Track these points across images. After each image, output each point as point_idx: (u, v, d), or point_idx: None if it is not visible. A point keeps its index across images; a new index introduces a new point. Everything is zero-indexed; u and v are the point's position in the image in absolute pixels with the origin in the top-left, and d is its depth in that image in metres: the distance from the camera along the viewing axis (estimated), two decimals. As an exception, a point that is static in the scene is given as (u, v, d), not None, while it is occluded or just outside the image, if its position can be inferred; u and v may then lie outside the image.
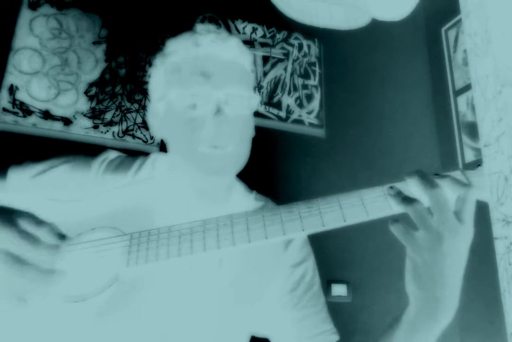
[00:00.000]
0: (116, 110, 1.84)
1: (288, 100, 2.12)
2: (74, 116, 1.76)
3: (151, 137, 1.84)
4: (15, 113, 1.68)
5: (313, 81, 2.19)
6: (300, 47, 2.21)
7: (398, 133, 2.25)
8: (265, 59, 2.13)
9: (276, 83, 2.13)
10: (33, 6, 1.80)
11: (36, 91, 1.73)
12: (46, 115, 1.72)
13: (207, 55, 0.80)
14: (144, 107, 1.88)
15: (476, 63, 0.57)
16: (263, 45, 2.15)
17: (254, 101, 0.83)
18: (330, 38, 2.20)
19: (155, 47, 1.94)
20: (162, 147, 1.79)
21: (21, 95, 1.71)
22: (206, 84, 0.78)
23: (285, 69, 2.16)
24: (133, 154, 0.92)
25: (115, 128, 1.81)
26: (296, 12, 1.12)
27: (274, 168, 1.98)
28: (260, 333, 0.89)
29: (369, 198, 0.65)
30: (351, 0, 1.10)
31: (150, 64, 0.86)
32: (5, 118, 1.67)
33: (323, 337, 0.86)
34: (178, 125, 0.80)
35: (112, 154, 0.90)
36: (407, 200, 0.63)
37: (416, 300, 0.67)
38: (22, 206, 0.67)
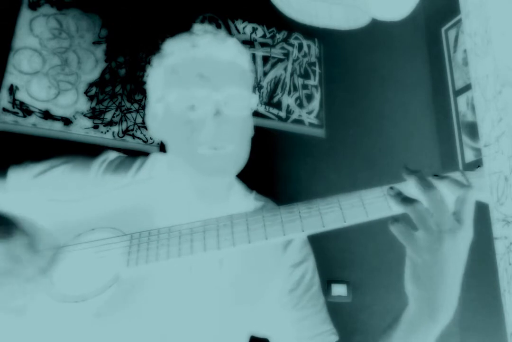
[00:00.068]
0: (116, 110, 1.84)
1: (288, 100, 2.12)
2: (74, 116, 1.76)
3: (151, 137, 1.84)
4: (15, 113, 1.68)
5: (313, 81, 2.19)
6: (300, 47, 2.21)
7: (398, 133, 2.25)
8: (265, 59, 2.13)
9: (276, 83, 2.13)
10: (33, 6, 1.80)
11: (36, 91, 1.73)
12: (46, 115, 1.72)
13: (205, 56, 0.80)
14: (144, 107, 1.88)
15: (476, 63, 0.57)
16: (263, 45, 2.15)
17: (253, 101, 0.83)
18: (330, 38, 2.20)
19: (155, 47, 1.94)
20: (162, 147, 1.79)
21: (21, 95, 1.71)
22: (204, 85, 0.78)
23: (285, 69, 2.16)
24: (133, 155, 0.92)
25: (115, 128, 1.81)
26: (296, 12, 1.12)
27: (274, 168, 1.98)
28: (260, 333, 0.89)
29: (369, 198, 0.65)
30: (351, 0, 1.10)
31: (150, 64, 0.86)
32: (5, 118, 1.67)
33: (322, 337, 0.86)
34: (177, 127, 0.79)
35: (112, 155, 0.90)
36: (407, 200, 0.63)
37: (415, 300, 0.68)
38: (21, 207, 0.67)
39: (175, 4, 2.03)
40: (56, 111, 1.74)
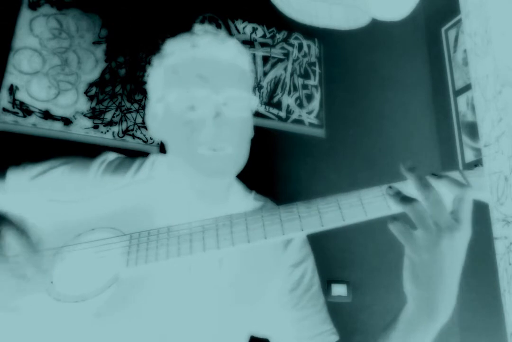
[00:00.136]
0: (116, 110, 1.84)
1: (288, 100, 2.12)
2: (74, 116, 1.76)
3: (151, 137, 1.84)
4: (15, 113, 1.69)
5: (313, 81, 2.19)
6: (300, 47, 2.21)
7: (398, 133, 2.25)
8: (265, 59, 2.13)
9: (276, 83, 2.13)
10: (33, 6, 1.80)
11: (36, 91, 1.73)
12: (46, 115, 1.72)
13: (205, 56, 0.80)
14: (144, 107, 1.88)
15: (476, 63, 0.57)
16: (263, 45, 2.15)
17: (254, 102, 0.83)
18: (330, 38, 2.20)
19: (155, 47, 1.94)
20: (162, 147, 1.79)
21: (21, 95, 1.71)
22: (204, 86, 0.78)
23: (285, 69, 2.16)
24: (133, 154, 0.93)
25: (115, 128, 1.81)
26: (296, 12, 1.12)
27: (274, 169, 1.98)
28: (260, 333, 0.89)
29: (368, 198, 0.65)
30: (351, 0, 1.10)
31: (150, 64, 0.86)
32: (5, 118, 1.67)
33: (322, 337, 0.86)
34: (177, 127, 0.79)
35: (111, 156, 0.90)
36: (406, 200, 0.63)
37: (413, 299, 0.68)
38: (21, 208, 0.67)
39: (175, 4, 2.03)
40: (56, 111, 1.74)
